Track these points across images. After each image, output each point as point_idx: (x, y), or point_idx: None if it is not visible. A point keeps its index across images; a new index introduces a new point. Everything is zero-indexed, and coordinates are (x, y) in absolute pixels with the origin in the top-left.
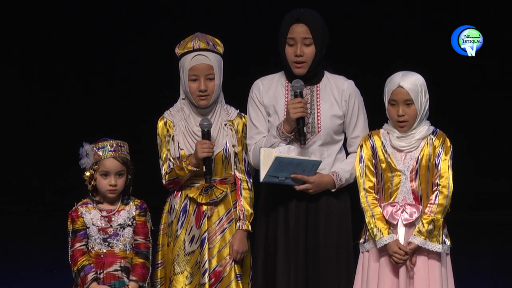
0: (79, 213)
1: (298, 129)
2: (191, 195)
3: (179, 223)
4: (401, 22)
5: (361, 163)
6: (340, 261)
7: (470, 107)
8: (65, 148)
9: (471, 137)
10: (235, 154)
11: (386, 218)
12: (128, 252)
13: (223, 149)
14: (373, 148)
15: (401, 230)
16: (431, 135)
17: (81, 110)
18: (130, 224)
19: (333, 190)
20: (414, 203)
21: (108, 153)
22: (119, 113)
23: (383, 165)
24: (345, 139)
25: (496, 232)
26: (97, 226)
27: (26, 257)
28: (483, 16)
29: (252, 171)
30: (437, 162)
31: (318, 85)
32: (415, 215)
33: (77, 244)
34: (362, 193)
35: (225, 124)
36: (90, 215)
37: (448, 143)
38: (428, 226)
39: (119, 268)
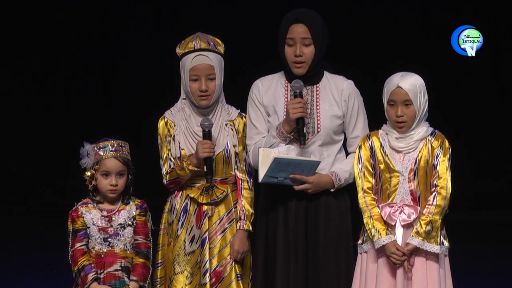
0: (79, 213)
1: (297, 130)
2: (192, 195)
3: (180, 223)
4: (401, 22)
5: (359, 163)
6: (339, 261)
7: (470, 107)
8: (65, 148)
9: (471, 137)
10: (236, 154)
11: (384, 219)
12: (128, 252)
13: (224, 149)
14: (371, 148)
15: (399, 231)
16: (429, 136)
17: (82, 110)
18: (131, 224)
19: (332, 190)
20: (412, 204)
21: (109, 153)
22: (120, 113)
23: (382, 166)
24: (345, 139)
25: (496, 232)
26: (98, 226)
27: (26, 257)
28: (483, 16)
29: (253, 171)
30: (435, 163)
31: (317, 85)
32: (413, 216)
33: (78, 244)
34: (360, 194)
35: (226, 124)
36: (91, 215)
37: (447, 144)
38: (426, 227)
39: (119, 268)
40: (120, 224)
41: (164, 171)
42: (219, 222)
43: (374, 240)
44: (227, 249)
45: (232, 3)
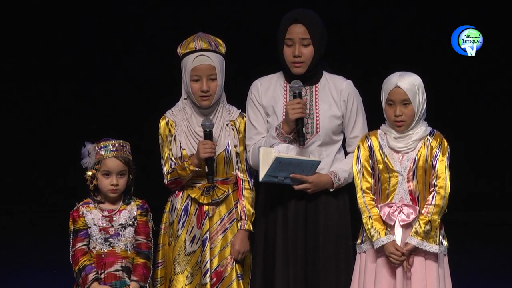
0: (80, 212)
1: (297, 130)
2: (192, 195)
3: (180, 223)
4: (401, 22)
5: (358, 163)
6: (339, 260)
7: (470, 107)
8: (65, 148)
9: (471, 137)
10: (237, 154)
11: (383, 219)
12: (129, 252)
13: (225, 149)
14: (370, 148)
15: (398, 231)
16: (428, 135)
17: (82, 109)
18: (131, 224)
19: (331, 190)
20: (411, 204)
21: (110, 153)
22: (121, 113)
23: (380, 166)
24: (344, 139)
25: (496, 232)
26: (98, 226)
27: (26, 257)
28: (483, 16)
29: (254, 171)
30: (434, 163)
31: (316, 85)
32: (412, 216)
33: (78, 244)
34: (359, 194)
35: (227, 124)
36: (91, 214)
37: (445, 143)
38: (425, 227)
39: (120, 268)
40: (121, 224)
41: (165, 171)
42: (220, 222)
43: (373, 240)
44: (228, 249)
45: (233, 3)
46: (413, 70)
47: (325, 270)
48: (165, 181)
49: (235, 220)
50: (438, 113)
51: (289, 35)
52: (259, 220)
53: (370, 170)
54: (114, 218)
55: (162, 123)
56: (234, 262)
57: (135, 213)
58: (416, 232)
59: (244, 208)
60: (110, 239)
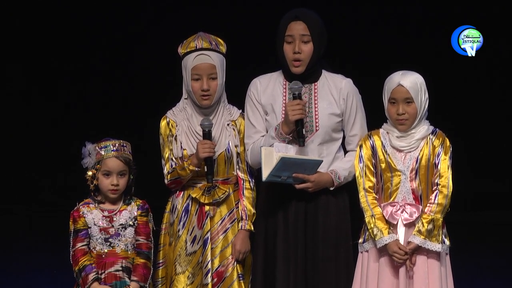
0: (80, 212)
1: (297, 131)
2: (193, 195)
3: (181, 223)
4: (401, 21)
5: (360, 162)
6: (339, 260)
7: (470, 107)
8: (65, 148)
9: (471, 137)
10: (238, 154)
11: (386, 218)
12: (129, 252)
13: (225, 149)
14: (373, 148)
15: (401, 230)
16: (430, 135)
17: (82, 109)
18: (132, 224)
19: (331, 188)
20: (414, 203)
21: (111, 153)
22: (121, 113)
23: (383, 165)
24: (344, 138)
25: (496, 232)
26: (99, 226)
27: (26, 257)
28: (483, 16)
29: (254, 170)
30: (436, 162)
31: (316, 83)
32: (415, 215)
33: (79, 244)
34: (361, 193)
35: (228, 124)
36: (92, 215)
37: (448, 142)
38: (427, 226)
39: (120, 268)
40: (121, 224)
41: (165, 171)
42: (221, 222)
43: (376, 239)
44: (229, 249)
45: (233, 3)
46: (413, 70)
47: (325, 269)
48: (166, 181)
49: (236, 220)
50: (438, 113)
51: (289, 31)
52: (259, 220)
53: (372, 169)
54: (115, 218)
55: (163, 123)
56: (235, 262)
57: (135, 213)
58: (419, 231)
59: (245, 208)
60: (110, 239)
